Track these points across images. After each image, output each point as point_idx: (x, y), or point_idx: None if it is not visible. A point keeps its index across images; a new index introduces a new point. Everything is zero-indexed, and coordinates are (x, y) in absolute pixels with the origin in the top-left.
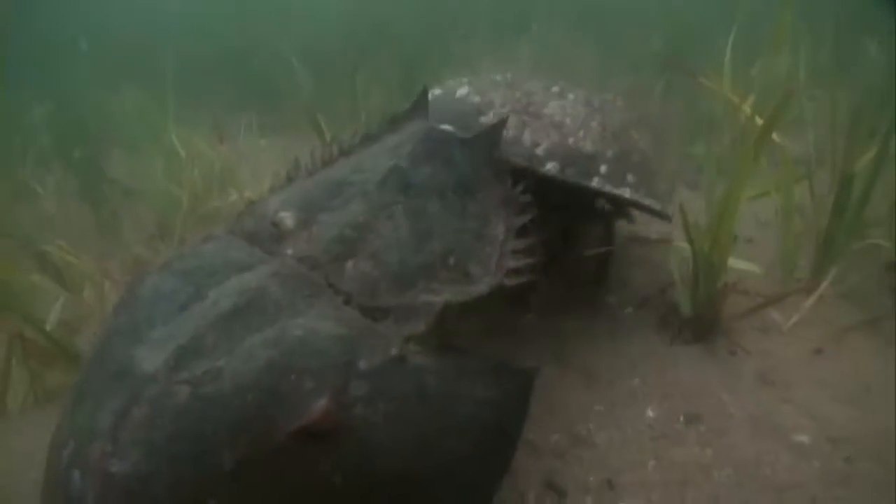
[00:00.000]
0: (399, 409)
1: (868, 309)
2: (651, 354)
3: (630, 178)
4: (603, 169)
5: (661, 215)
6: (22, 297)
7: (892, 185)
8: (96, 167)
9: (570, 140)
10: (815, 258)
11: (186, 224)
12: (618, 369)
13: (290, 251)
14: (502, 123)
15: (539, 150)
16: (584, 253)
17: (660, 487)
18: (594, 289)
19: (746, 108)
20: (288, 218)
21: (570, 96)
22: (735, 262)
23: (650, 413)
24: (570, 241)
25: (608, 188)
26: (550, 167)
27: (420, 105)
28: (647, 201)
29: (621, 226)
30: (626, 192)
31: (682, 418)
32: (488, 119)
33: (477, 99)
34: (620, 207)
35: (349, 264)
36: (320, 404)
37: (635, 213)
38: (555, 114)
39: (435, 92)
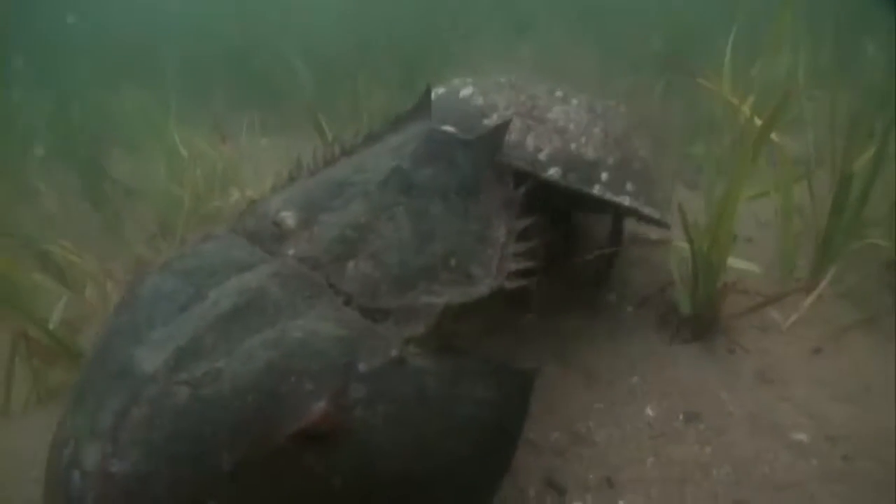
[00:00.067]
0: (399, 412)
1: (867, 308)
2: (650, 353)
3: (630, 186)
4: (604, 176)
5: (660, 224)
6: (24, 297)
7: (891, 185)
8: (98, 167)
9: (573, 146)
10: (815, 257)
11: (188, 224)
12: (617, 368)
13: (291, 251)
14: (505, 126)
15: (542, 155)
16: (594, 253)
17: (659, 485)
18: (594, 289)
19: (746, 109)
20: (289, 217)
21: (574, 101)
22: (734, 262)
23: (649, 411)
24: (571, 243)
25: (608, 196)
26: (552, 172)
27: (423, 105)
28: (646, 210)
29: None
30: (625, 201)
31: (681, 417)
32: (492, 121)
33: (481, 101)
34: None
35: (350, 265)
36: (319, 407)
37: None
38: (558, 119)
39: (438, 91)
